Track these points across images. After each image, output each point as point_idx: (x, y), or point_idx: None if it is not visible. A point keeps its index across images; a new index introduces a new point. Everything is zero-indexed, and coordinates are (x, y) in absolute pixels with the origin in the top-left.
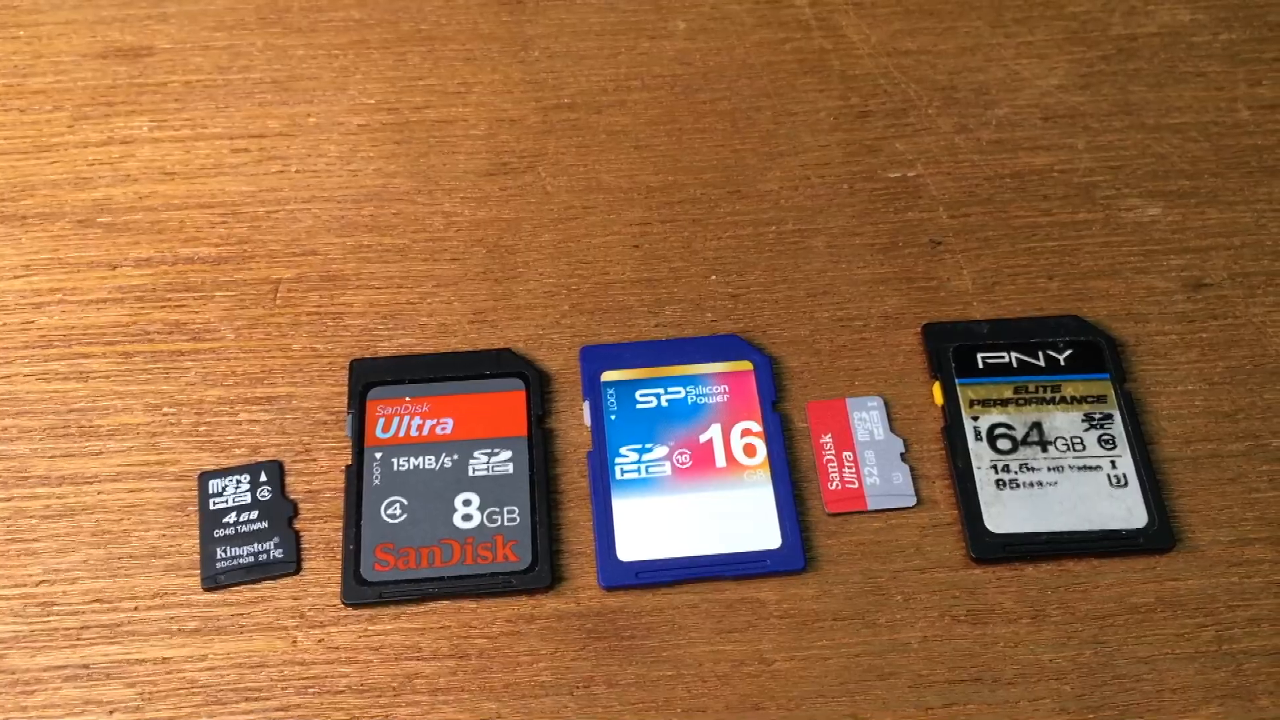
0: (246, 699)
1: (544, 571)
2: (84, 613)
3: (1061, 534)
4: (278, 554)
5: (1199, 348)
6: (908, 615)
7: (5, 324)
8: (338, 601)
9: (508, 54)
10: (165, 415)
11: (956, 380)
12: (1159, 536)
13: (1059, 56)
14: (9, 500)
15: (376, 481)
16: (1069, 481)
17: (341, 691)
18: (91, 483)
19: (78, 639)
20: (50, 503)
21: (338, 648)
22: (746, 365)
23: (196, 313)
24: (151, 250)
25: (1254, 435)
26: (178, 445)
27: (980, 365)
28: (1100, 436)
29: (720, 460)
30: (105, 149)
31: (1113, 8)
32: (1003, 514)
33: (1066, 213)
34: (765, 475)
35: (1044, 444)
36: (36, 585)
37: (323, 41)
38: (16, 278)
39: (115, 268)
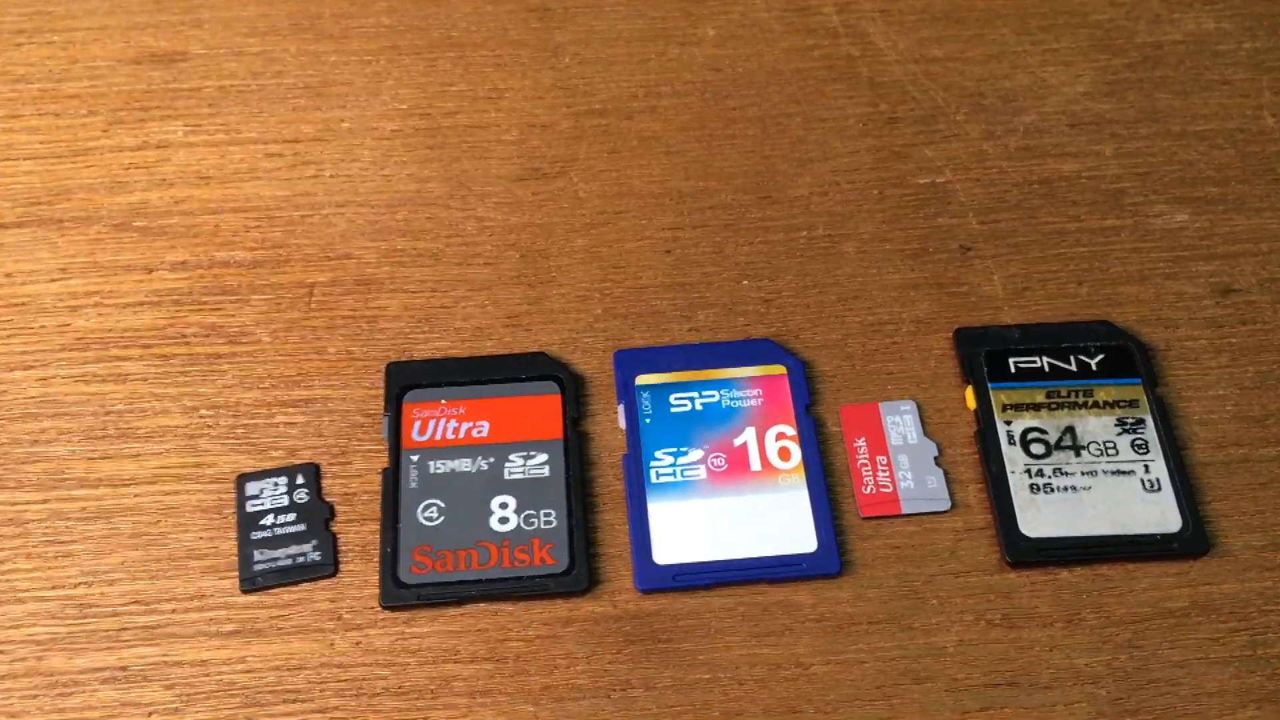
0: (285, 701)
1: (581, 574)
2: (122, 614)
3: (1095, 538)
4: (315, 556)
5: (1229, 353)
6: (943, 619)
7: (43, 326)
8: (375, 604)
9: (538, 60)
10: (202, 417)
11: (989, 385)
12: (1193, 541)
13: (1085, 64)
14: (46, 502)
15: (413, 484)
16: (1103, 486)
17: (379, 694)
18: (129, 485)
19: (116, 640)
20: (87, 505)
21: (375, 650)
22: (780, 369)
23: (232, 316)
24: (187, 254)
25: None
26: (215, 447)
27: (1012, 370)
28: (1133, 441)
29: (755, 464)
30: (140, 153)
31: (1138, 15)
32: (1037, 518)
33: (1095, 219)
34: (800, 479)
35: (1077, 448)
36: (74, 587)
37: (355, 47)
38: (53, 281)
39: (151, 271)
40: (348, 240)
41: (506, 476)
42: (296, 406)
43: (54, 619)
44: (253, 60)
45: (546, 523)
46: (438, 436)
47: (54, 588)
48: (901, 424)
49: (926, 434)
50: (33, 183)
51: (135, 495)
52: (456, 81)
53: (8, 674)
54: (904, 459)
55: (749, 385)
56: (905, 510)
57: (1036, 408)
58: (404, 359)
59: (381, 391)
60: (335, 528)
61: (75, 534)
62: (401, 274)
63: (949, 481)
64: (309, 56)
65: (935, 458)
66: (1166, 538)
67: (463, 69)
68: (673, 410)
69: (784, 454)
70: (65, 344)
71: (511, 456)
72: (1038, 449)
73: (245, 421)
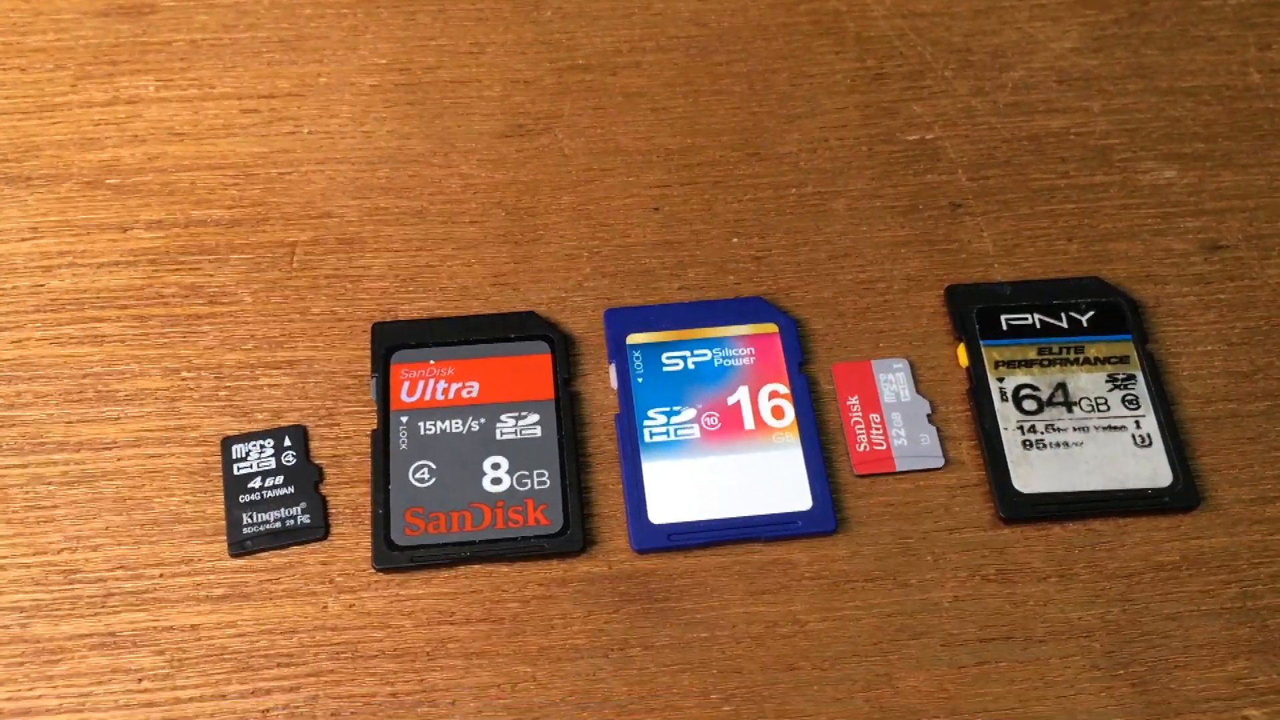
0: (278, 665)
1: (576, 535)
2: (108, 580)
3: (1088, 494)
4: (305, 519)
5: (1217, 309)
6: (938, 575)
7: (15, 287)
8: (367, 566)
9: (520, 14)
10: (184, 379)
11: (981, 342)
12: (1183, 495)
13: (1071, 20)
14: (25, 467)
15: (403, 445)
16: (1094, 442)
17: (375, 656)
18: (111, 448)
19: (102, 607)
20: (69, 469)
21: (369, 613)
22: (772, 328)
23: (212, 276)
24: (163, 213)
25: (1273, 395)
26: (198, 410)
27: (1004, 327)
28: (1124, 397)
29: (749, 423)
30: (111, 109)
31: None
32: (1030, 474)
33: (1084, 175)
34: (794, 437)
35: (1069, 404)
36: (58, 553)
37: (330, 0)
38: (24, 240)
39: (126, 230)
40: (328, 198)
41: (498, 437)
42: (280, 368)
43: (38, 585)
44: (224, 13)
45: (540, 483)
46: (427, 397)
47: (36, 554)
48: (894, 382)
49: (919, 392)
50: None
51: (117, 459)
52: (436, 35)
53: None
54: (897, 416)
55: (741, 344)
56: (899, 468)
57: (1028, 364)
58: (390, 319)
59: (368, 352)
60: (324, 490)
61: (57, 499)
62: (385, 233)
63: (942, 439)
64: (283, 9)
65: (928, 415)
66: (1157, 492)
67: (442, 23)
68: (665, 369)
69: (777, 412)
70: (39, 305)
71: (503, 417)
72: (1030, 405)
73: (228, 384)
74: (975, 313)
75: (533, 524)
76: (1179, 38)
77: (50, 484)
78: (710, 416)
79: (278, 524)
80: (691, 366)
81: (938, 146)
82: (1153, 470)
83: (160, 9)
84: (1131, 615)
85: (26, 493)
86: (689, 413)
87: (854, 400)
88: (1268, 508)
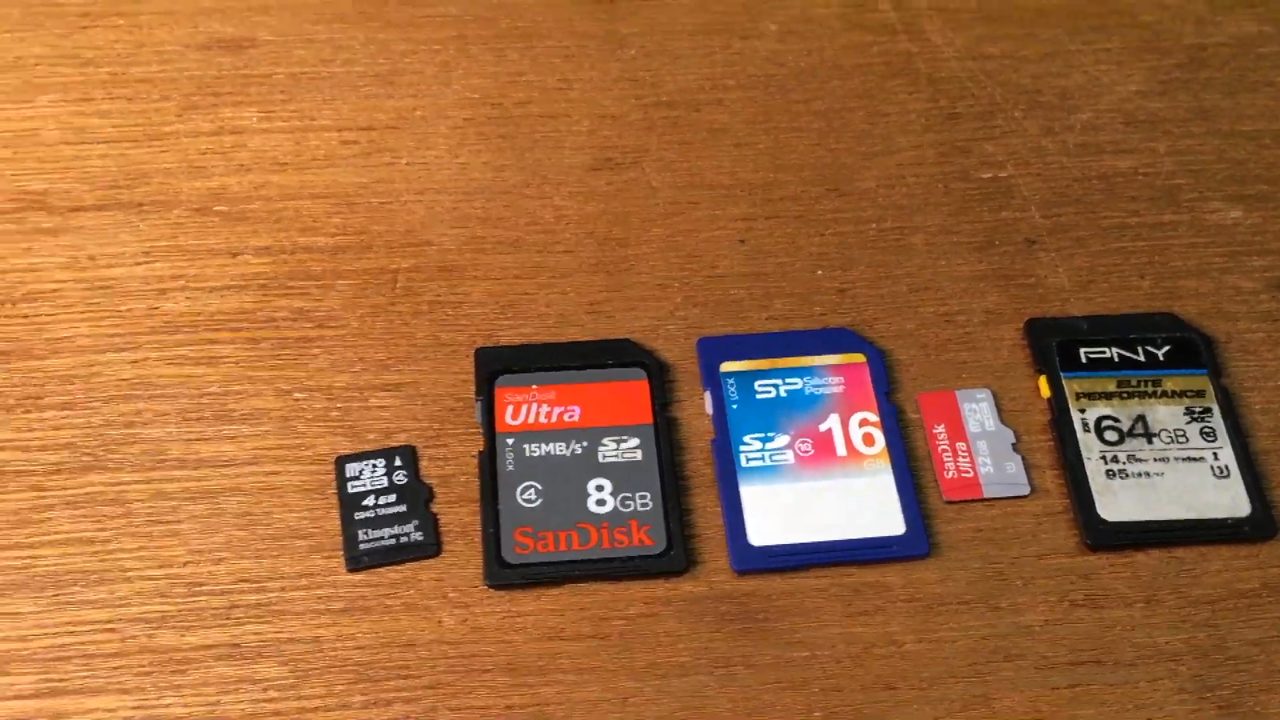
0: (398, 676)
1: (679, 555)
2: (231, 593)
3: (1170, 522)
4: (418, 536)
5: None
6: (1028, 599)
7: (131, 309)
8: (479, 583)
9: (604, 51)
10: (296, 400)
11: (1062, 374)
12: (1262, 525)
13: (1135, 64)
14: (148, 482)
15: (510, 467)
16: (1175, 472)
17: (489, 670)
18: (229, 465)
19: (226, 618)
20: (189, 485)
21: (482, 628)
22: (859, 358)
23: (319, 300)
24: (270, 239)
25: None
26: (311, 429)
27: (1083, 360)
28: (1201, 429)
29: (841, 449)
30: (216, 139)
31: (1184, 17)
32: (1113, 503)
33: (1153, 214)
34: (885, 464)
35: (1149, 436)
36: (182, 565)
37: (422, 36)
38: (138, 264)
39: (236, 255)
40: (428, 227)
41: (601, 460)
42: (388, 390)
43: (163, 597)
44: (321, 47)
45: (642, 505)
46: (530, 420)
47: (161, 566)
48: (978, 411)
49: (1002, 421)
50: (109, 166)
51: (236, 476)
52: (525, 71)
53: (119, 651)
54: (982, 445)
55: (830, 373)
56: (986, 495)
57: (1108, 396)
58: (490, 344)
59: (471, 376)
60: (434, 509)
61: (179, 514)
62: (483, 261)
63: (1026, 467)
64: (377, 45)
65: (1013, 444)
66: (1237, 522)
67: (530, 59)
68: (758, 396)
69: (868, 439)
70: (154, 327)
71: (604, 440)
72: (1111, 436)
73: (339, 404)
74: (1056, 345)
75: (637, 544)
76: (1238, 82)
77: (172, 499)
78: (804, 443)
79: (392, 541)
80: (783, 394)
81: (1011, 184)
82: (1231, 500)
83: (260, 43)
84: (1216, 640)
85: (149, 507)
86: (783, 439)
87: (940, 429)
88: None
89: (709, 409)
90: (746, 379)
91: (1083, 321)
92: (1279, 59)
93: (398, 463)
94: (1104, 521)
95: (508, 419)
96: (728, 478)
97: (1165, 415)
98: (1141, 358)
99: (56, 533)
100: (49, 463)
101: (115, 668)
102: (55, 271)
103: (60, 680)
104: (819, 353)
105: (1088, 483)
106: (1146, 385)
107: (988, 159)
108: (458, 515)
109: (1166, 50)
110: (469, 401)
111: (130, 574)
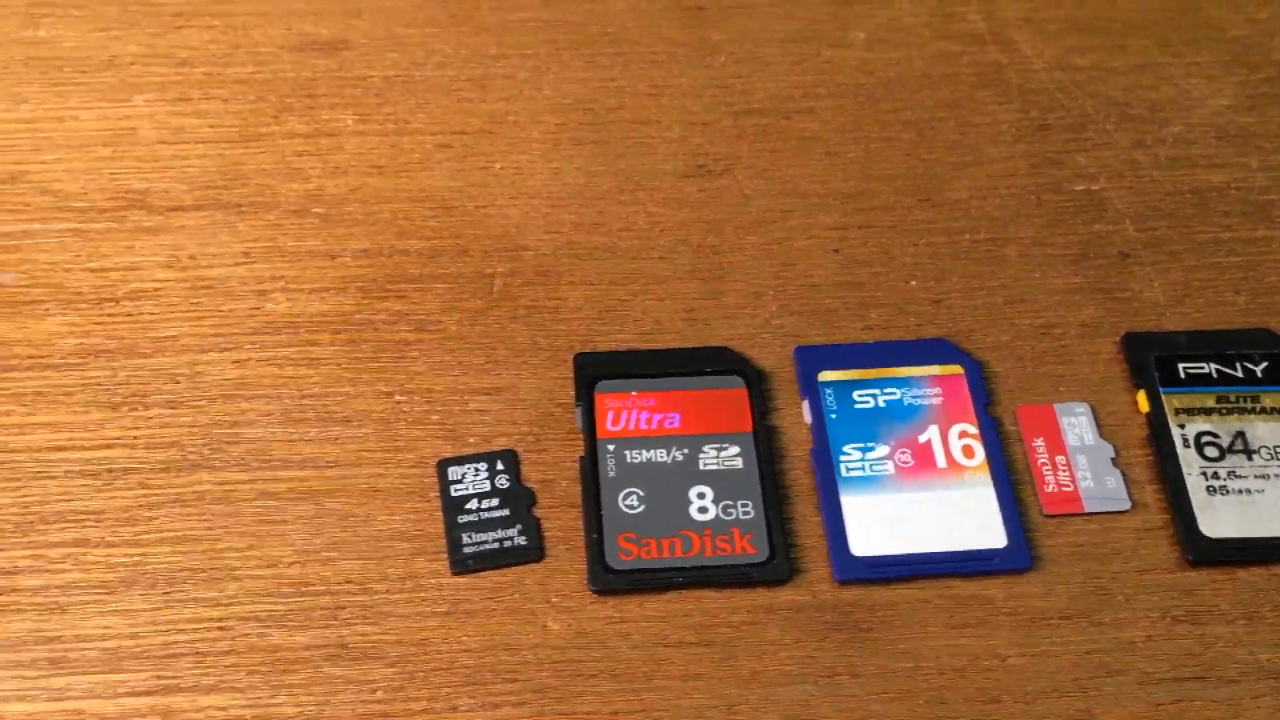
0: (504, 680)
1: (782, 564)
2: (338, 593)
3: (1271, 540)
4: (521, 540)
5: None
6: (1130, 615)
7: (232, 310)
8: (583, 588)
9: (695, 58)
10: (397, 403)
11: (1161, 389)
12: None
13: (1226, 78)
14: (253, 482)
15: (612, 473)
16: (1276, 489)
17: (595, 675)
18: (333, 467)
19: (334, 619)
20: (294, 485)
21: (587, 633)
22: (957, 369)
23: (418, 304)
24: (368, 242)
25: None
26: (412, 432)
27: (1182, 375)
28: None
29: (940, 461)
30: (313, 140)
31: (1273, 32)
32: (1215, 519)
33: (1246, 229)
34: (985, 476)
35: (1249, 452)
36: (289, 565)
37: (514, 41)
38: (238, 264)
39: (334, 258)
40: (523, 232)
41: (701, 467)
42: (488, 394)
43: (271, 597)
44: (414, 51)
45: (744, 513)
46: (631, 426)
47: (268, 566)
48: (1077, 425)
49: (1101, 435)
50: (207, 166)
51: (340, 477)
52: (616, 77)
53: (231, 649)
54: (1082, 459)
55: (928, 384)
56: (1086, 509)
57: (1208, 412)
58: (588, 350)
59: (569, 381)
60: (536, 513)
61: (286, 514)
62: (579, 266)
63: (1126, 482)
64: (469, 50)
65: (1112, 459)
66: None
67: (621, 65)
68: (856, 406)
69: (968, 451)
70: (256, 328)
71: (705, 448)
72: (1211, 452)
73: (439, 408)
74: (1154, 360)
75: (739, 553)
76: None
77: (278, 499)
78: (903, 453)
79: (496, 544)
80: (882, 404)
81: (1104, 197)
82: None
83: (354, 46)
84: None
85: (256, 507)
86: (883, 449)
87: (1039, 442)
88: None
89: (807, 418)
90: (844, 389)
91: (1182, 336)
92: None
93: (499, 467)
94: (1205, 538)
95: (608, 425)
96: (828, 487)
97: (1265, 432)
98: (1240, 374)
99: (166, 530)
100: (156, 461)
101: (228, 666)
102: (157, 270)
103: (174, 677)
104: (917, 363)
105: (1189, 498)
106: (1245, 401)
107: (1080, 171)
108: (560, 520)
109: (1256, 65)
110: (568, 406)
111: (239, 573)
